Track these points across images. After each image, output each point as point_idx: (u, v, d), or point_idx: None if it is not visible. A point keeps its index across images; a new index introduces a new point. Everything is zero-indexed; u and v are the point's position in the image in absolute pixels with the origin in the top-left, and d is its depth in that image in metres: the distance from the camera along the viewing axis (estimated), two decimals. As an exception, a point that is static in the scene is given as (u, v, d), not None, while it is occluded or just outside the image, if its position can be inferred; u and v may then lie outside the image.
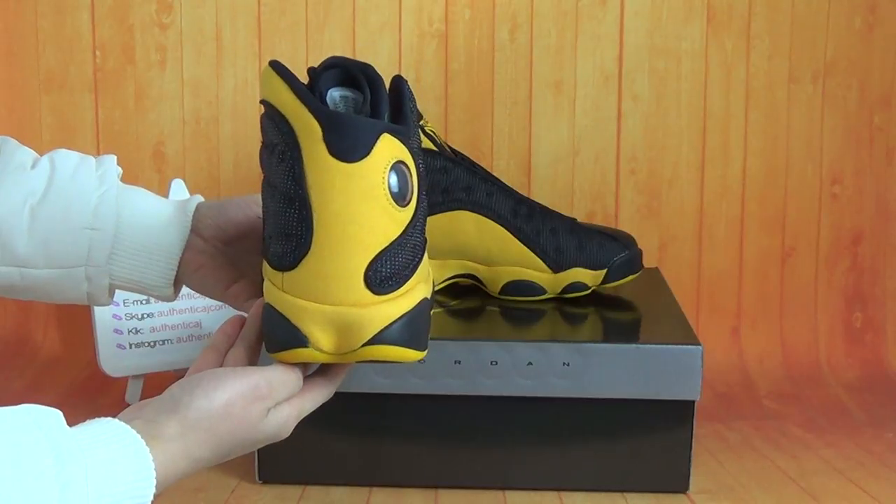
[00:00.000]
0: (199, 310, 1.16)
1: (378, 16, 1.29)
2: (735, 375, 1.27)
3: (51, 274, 0.77)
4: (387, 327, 0.65)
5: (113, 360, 1.12)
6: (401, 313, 0.65)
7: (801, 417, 1.15)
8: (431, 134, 1.07)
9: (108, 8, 1.29)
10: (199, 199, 0.81)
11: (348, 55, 1.29)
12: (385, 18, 1.29)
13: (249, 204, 0.79)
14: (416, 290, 0.67)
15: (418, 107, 1.10)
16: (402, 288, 0.65)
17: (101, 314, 1.12)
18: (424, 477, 0.94)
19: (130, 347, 1.13)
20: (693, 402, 0.92)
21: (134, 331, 1.14)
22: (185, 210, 0.79)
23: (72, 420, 0.60)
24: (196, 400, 0.62)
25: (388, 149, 0.64)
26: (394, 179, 0.64)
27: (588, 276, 1.06)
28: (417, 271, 0.67)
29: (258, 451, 0.94)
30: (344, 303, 0.64)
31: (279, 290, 0.65)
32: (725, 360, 1.29)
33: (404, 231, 0.65)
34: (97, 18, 1.29)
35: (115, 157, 0.81)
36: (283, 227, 0.64)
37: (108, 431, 0.59)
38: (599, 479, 0.94)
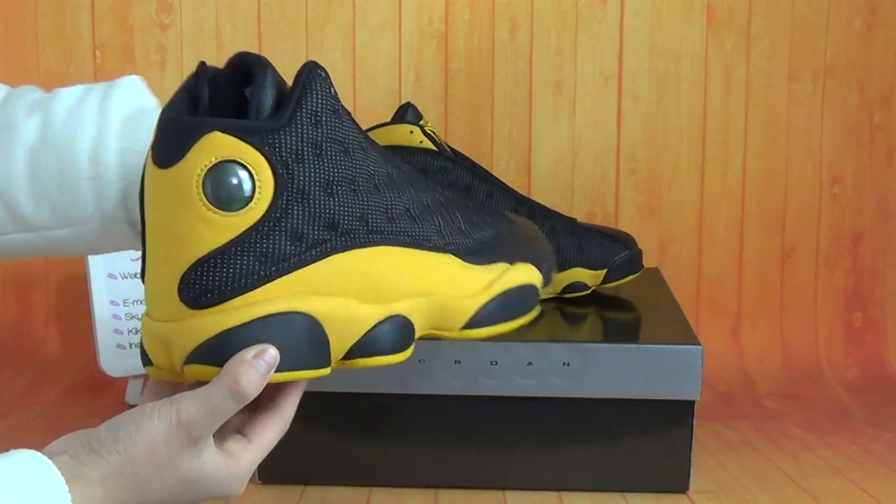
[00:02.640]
0: (199, 310, 1.16)
1: (378, 16, 1.29)
2: (735, 375, 1.26)
3: (70, 233, 0.70)
4: (202, 344, 0.58)
5: (113, 360, 1.12)
6: (222, 328, 0.58)
7: (801, 417, 1.15)
8: (431, 134, 1.07)
9: (108, 8, 1.29)
10: None
11: (348, 55, 1.29)
12: (385, 18, 1.29)
13: None
14: (273, 302, 0.59)
15: (417, 107, 1.10)
16: (234, 300, 0.58)
17: (101, 314, 1.12)
18: (424, 477, 0.94)
19: (130, 347, 1.13)
20: (693, 402, 0.92)
21: (134, 331, 1.14)
22: None
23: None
24: (119, 443, 0.57)
25: (212, 149, 0.57)
26: (215, 181, 0.57)
27: (588, 276, 1.06)
28: (277, 282, 0.59)
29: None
30: (162, 318, 0.59)
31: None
32: (725, 360, 1.29)
33: (240, 237, 0.58)
34: (97, 18, 1.29)
35: (136, 79, 0.72)
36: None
37: (27, 466, 0.55)
38: (599, 479, 0.94)
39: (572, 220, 1.08)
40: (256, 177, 0.58)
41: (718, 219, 1.33)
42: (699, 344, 0.91)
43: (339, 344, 0.62)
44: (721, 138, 1.32)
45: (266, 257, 0.58)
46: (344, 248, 0.61)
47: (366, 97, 1.30)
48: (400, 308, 0.65)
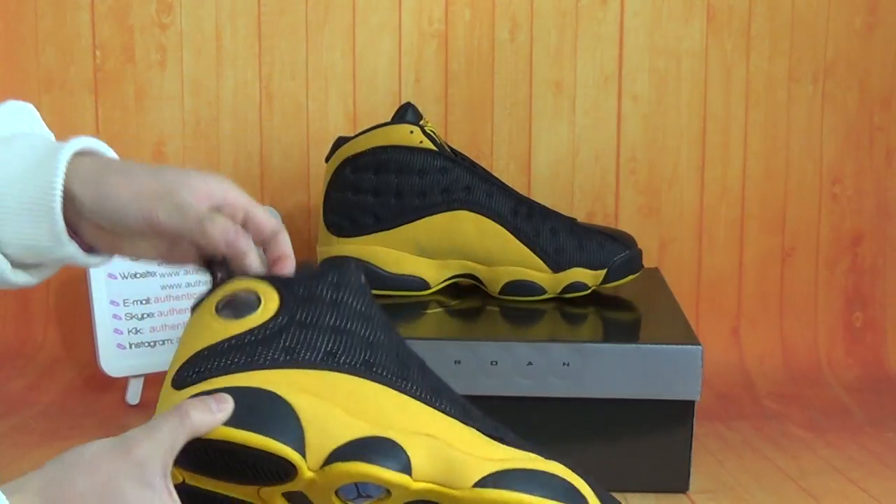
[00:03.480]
0: (199, 310, 1.16)
1: (378, 16, 1.29)
2: (735, 375, 1.26)
3: None
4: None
5: (113, 360, 1.12)
6: (192, 395, 0.61)
7: (801, 417, 1.15)
8: (431, 134, 1.07)
9: (108, 8, 1.29)
10: (72, 151, 0.66)
11: (348, 55, 1.30)
12: (385, 18, 1.29)
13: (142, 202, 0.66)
14: (253, 379, 0.61)
15: (417, 107, 1.10)
16: (213, 379, 0.61)
17: (101, 314, 1.12)
18: (424, 477, 0.94)
19: (130, 347, 1.13)
20: (693, 402, 0.92)
21: (134, 331, 1.14)
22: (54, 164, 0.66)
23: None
24: (67, 455, 0.57)
25: (241, 284, 0.65)
26: (228, 297, 0.65)
27: (588, 276, 1.06)
28: (262, 372, 0.61)
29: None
30: (157, 411, 0.63)
31: None
32: (725, 360, 1.29)
33: (234, 336, 0.63)
34: (97, 18, 1.29)
35: (16, 106, 0.71)
36: None
37: None
38: (599, 479, 0.93)
39: (572, 220, 1.08)
40: (263, 298, 0.64)
41: (718, 219, 1.33)
42: (699, 344, 0.91)
43: (318, 444, 0.59)
44: (721, 138, 1.32)
45: (254, 356, 0.62)
46: (339, 370, 0.62)
47: (366, 97, 1.30)
48: (393, 435, 0.59)
